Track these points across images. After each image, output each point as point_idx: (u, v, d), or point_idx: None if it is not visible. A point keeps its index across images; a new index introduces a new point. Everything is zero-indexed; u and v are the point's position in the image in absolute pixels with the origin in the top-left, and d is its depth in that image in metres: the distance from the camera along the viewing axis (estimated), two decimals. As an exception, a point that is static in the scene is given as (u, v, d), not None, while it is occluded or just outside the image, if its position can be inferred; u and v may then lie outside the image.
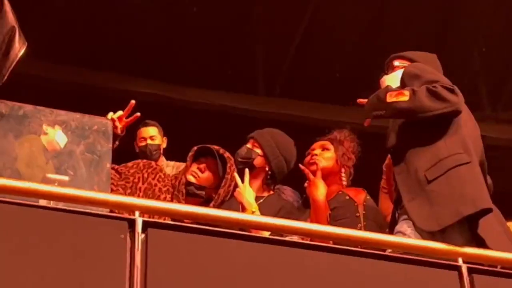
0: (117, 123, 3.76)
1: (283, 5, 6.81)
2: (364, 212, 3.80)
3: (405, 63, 3.67)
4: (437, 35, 6.74)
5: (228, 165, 4.01)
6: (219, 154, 4.04)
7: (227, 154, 4.05)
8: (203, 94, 7.16)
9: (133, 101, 3.80)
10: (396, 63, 3.68)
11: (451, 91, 3.34)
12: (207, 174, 4.04)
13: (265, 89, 7.28)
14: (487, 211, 3.21)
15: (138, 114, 3.84)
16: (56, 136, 2.94)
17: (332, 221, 3.82)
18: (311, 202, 3.85)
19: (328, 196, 3.91)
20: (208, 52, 6.96)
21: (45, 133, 2.93)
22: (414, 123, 3.37)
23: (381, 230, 3.62)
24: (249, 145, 4.17)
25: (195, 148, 4.13)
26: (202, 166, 4.05)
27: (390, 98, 3.33)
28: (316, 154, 4.06)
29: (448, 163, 3.27)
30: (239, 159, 4.11)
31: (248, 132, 4.26)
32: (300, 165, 3.99)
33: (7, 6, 3.06)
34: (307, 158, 4.09)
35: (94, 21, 6.68)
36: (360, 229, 3.72)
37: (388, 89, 3.42)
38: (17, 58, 3.06)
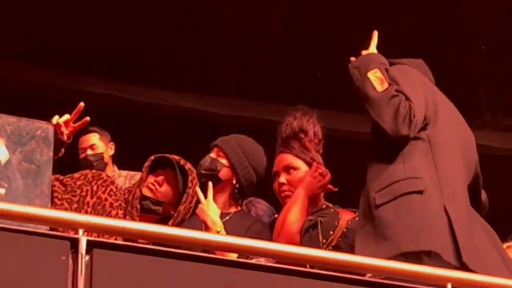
0: (64, 129, 3.75)
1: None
2: (345, 229, 3.68)
3: None
4: (430, 32, 6.79)
5: (190, 178, 4.02)
6: (179, 165, 4.05)
7: (188, 166, 4.06)
8: (163, 94, 7.17)
9: (81, 104, 3.80)
10: None
11: (409, 122, 3.38)
12: (165, 188, 4.06)
13: (235, 90, 7.30)
14: (430, 253, 3.21)
15: (88, 118, 3.84)
16: None
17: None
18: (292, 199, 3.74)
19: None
20: (170, 47, 6.98)
21: None
22: (382, 137, 3.41)
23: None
24: (213, 155, 4.16)
25: (152, 157, 4.14)
26: (160, 178, 4.07)
27: (370, 74, 3.40)
28: (284, 184, 3.84)
29: (400, 187, 3.31)
30: (202, 171, 4.10)
31: (214, 139, 4.26)
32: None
33: None
34: (276, 186, 3.90)
35: (38, 12, 6.67)
36: (331, 236, 3.63)
37: (380, 63, 3.45)
38: None
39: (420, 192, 3.29)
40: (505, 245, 4.01)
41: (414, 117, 3.36)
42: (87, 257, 2.65)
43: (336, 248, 3.64)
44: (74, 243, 2.66)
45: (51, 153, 3.04)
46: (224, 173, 4.11)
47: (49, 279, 2.61)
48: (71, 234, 2.71)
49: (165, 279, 2.75)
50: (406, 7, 6.72)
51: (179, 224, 4.00)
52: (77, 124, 3.82)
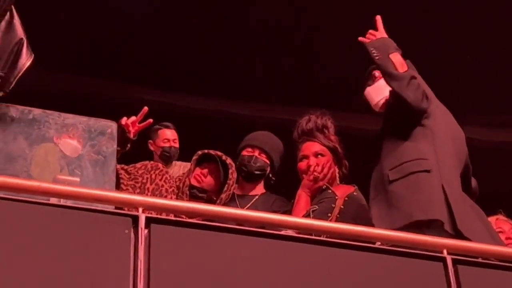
0: (130, 128, 3.71)
1: (282, 8, 6.77)
2: (342, 206, 3.60)
3: None
4: (429, 43, 6.69)
5: (230, 171, 4.01)
6: (221, 160, 4.02)
7: (229, 160, 4.04)
8: (204, 101, 7.15)
9: (146, 108, 3.76)
10: (377, 73, 3.61)
11: (427, 100, 3.34)
12: (209, 179, 4.05)
13: (264, 95, 7.24)
14: (437, 222, 3.15)
15: (151, 120, 3.79)
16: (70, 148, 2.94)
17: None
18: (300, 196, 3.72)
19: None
20: (206, 59, 6.95)
21: (61, 143, 2.93)
22: (394, 122, 3.34)
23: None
24: (257, 155, 4.10)
25: (200, 152, 4.11)
26: (205, 171, 4.06)
27: (393, 57, 3.32)
28: (317, 165, 3.71)
29: (410, 167, 3.25)
30: (256, 172, 4.05)
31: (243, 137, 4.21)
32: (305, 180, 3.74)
33: (16, 19, 3.06)
34: (303, 166, 3.79)
35: (101, 32, 6.67)
36: (329, 218, 3.53)
37: (398, 50, 3.37)
38: (24, 68, 3.06)
39: (427, 171, 3.23)
40: (495, 217, 3.94)
41: (427, 99, 3.31)
42: (146, 231, 2.64)
43: None
44: (135, 219, 2.66)
45: (115, 146, 3.02)
46: (268, 171, 4.08)
47: (116, 248, 2.60)
48: (133, 212, 2.70)
49: (209, 248, 2.73)
50: (412, 24, 6.61)
51: (221, 209, 3.96)
52: (141, 124, 3.77)
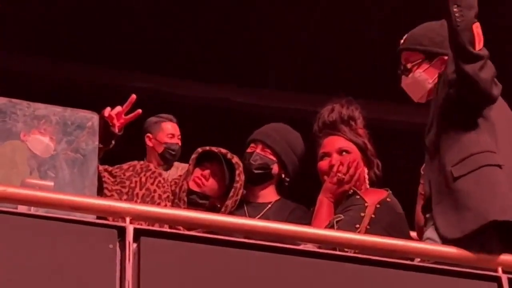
0: (115, 121, 3.70)
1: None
2: (373, 215, 3.53)
3: (421, 57, 3.53)
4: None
5: (237, 172, 3.97)
6: (226, 158, 4.00)
7: (235, 159, 4.00)
8: (206, 88, 7.19)
9: (133, 96, 3.74)
10: (410, 65, 3.54)
11: (497, 88, 3.31)
12: (211, 182, 4.02)
13: (276, 82, 7.27)
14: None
15: (140, 110, 3.78)
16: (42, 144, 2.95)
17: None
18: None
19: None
20: (210, 41, 6.98)
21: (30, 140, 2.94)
22: (449, 112, 3.29)
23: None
24: (259, 151, 4.09)
25: (200, 150, 4.09)
26: (206, 172, 4.02)
27: (475, 28, 3.22)
28: (341, 165, 3.66)
29: (479, 159, 3.20)
30: (255, 171, 4.04)
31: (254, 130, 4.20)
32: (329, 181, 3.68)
33: None
34: (324, 166, 3.73)
35: (83, 10, 6.72)
36: (357, 229, 3.46)
37: (479, 25, 3.27)
38: None
39: (499, 167, 3.20)
40: None
41: (496, 85, 3.28)
42: (135, 245, 2.64)
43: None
44: (122, 231, 2.65)
45: (97, 142, 3.03)
46: (275, 169, 4.07)
47: (97, 267, 2.60)
48: (119, 223, 2.70)
49: (211, 266, 2.72)
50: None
51: (226, 218, 3.96)
52: (129, 116, 3.75)
